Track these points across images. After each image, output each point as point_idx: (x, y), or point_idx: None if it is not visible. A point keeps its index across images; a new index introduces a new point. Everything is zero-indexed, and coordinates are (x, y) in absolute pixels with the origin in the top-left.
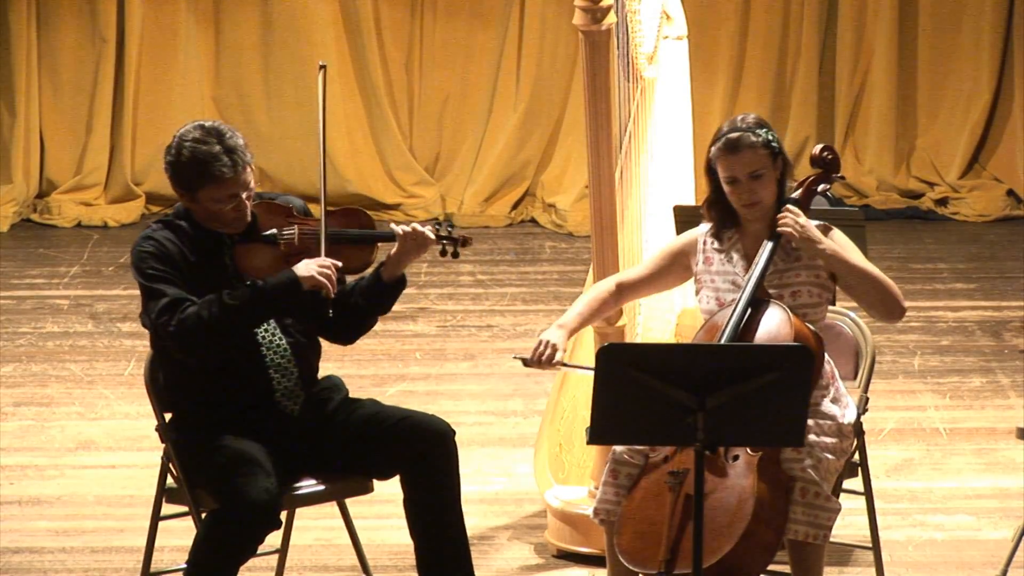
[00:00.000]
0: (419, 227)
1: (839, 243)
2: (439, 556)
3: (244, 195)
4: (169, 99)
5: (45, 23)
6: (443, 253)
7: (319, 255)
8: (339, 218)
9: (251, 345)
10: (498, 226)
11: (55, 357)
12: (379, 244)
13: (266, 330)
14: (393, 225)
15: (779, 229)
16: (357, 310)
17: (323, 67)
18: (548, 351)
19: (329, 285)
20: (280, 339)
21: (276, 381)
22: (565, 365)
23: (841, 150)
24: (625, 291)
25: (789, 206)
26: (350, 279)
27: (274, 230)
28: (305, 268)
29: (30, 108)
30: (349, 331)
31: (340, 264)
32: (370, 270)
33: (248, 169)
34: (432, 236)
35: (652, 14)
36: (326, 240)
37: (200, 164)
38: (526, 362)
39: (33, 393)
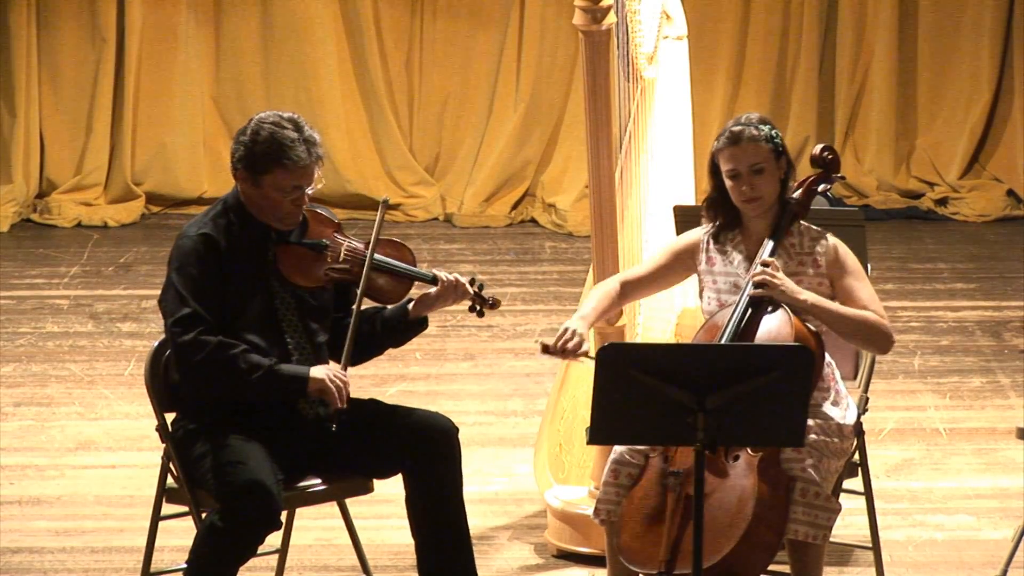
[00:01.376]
0: (461, 279)
1: (842, 262)
2: (441, 553)
3: (307, 190)
4: (169, 99)
5: (45, 23)
6: (471, 309)
7: (356, 276)
8: (386, 247)
9: (279, 345)
10: (498, 226)
11: (55, 357)
12: (415, 283)
13: (296, 331)
14: (436, 270)
15: (753, 292)
16: (373, 338)
17: (385, 201)
18: (575, 340)
19: (337, 396)
20: (306, 343)
21: None
22: (591, 357)
23: (841, 150)
24: (629, 290)
25: (765, 260)
26: (373, 304)
27: (325, 240)
28: (320, 371)
29: (30, 108)
30: (358, 355)
31: (348, 384)
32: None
33: (320, 164)
34: (470, 291)
35: (652, 14)
36: (369, 267)
37: (277, 147)
38: (547, 348)
39: (33, 393)
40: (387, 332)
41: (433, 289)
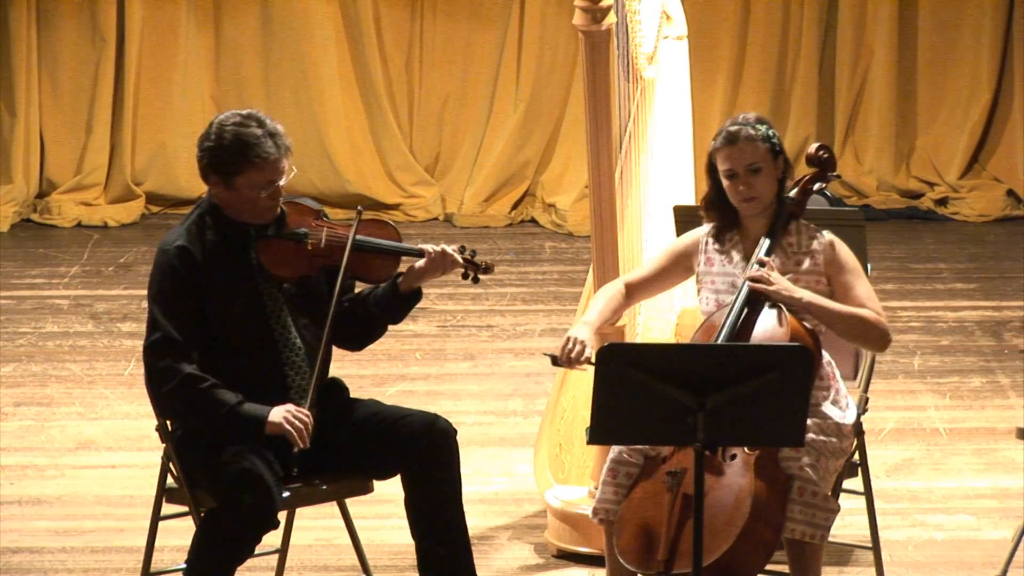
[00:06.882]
0: (448, 248)
1: (839, 259)
2: (440, 555)
3: (280, 183)
4: (169, 99)
5: (45, 23)
6: (465, 276)
7: (342, 260)
8: (369, 227)
9: (268, 343)
10: (498, 226)
11: (55, 357)
12: (403, 258)
13: (285, 327)
14: (422, 243)
15: (752, 285)
16: (369, 318)
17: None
18: (578, 348)
19: (297, 437)
20: (296, 339)
21: (290, 379)
22: (592, 363)
23: (841, 150)
24: (633, 292)
25: (761, 259)
26: (366, 287)
27: (304, 229)
28: (277, 415)
29: (30, 108)
30: (359, 338)
31: (312, 422)
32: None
33: (288, 155)
34: (459, 259)
35: (652, 14)
36: (352, 247)
37: (243, 146)
38: (555, 360)
39: (33, 393)
40: (381, 311)
41: (420, 262)
